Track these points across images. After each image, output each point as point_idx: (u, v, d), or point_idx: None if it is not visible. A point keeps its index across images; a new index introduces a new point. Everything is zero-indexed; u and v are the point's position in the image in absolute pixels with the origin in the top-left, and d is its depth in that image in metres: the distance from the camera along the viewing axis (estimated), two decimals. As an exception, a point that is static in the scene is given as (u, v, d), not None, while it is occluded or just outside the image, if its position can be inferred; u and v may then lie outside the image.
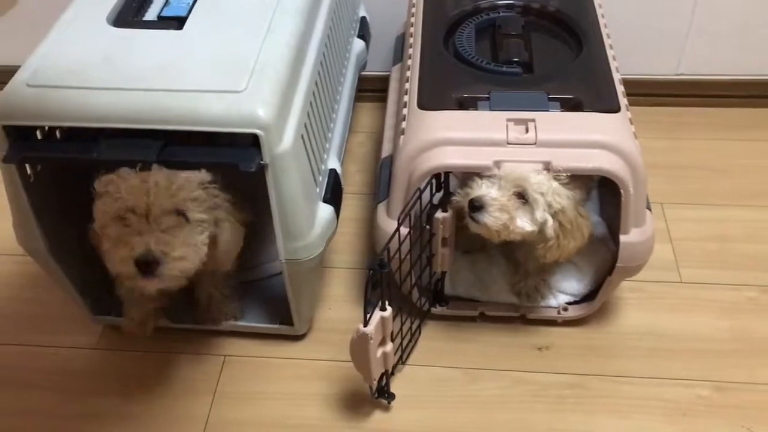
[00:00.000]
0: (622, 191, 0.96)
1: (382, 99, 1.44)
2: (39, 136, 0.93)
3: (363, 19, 1.42)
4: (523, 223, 0.93)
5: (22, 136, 0.91)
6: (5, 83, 0.91)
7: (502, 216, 0.92)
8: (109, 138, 0.89)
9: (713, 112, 1.57)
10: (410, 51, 1.15)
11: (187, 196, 0.87)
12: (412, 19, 1.22)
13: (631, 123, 1.01)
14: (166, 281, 0.86)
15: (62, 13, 1.02)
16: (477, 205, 0.92)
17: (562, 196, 0.93)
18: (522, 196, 0.92)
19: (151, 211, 0.84)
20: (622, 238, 1.01)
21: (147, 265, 0.83)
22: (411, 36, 1.19)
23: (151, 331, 1.11)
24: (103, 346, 1.17)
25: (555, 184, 0.92)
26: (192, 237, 0.87)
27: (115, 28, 0.99)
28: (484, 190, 0.92)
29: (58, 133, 0.95)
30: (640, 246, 1.01)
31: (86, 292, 1.12)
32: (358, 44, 1.35)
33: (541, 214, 0.93)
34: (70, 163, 0.96)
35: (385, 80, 1.40)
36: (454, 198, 0.96)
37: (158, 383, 1.11)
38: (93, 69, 0.92)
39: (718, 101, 1.57)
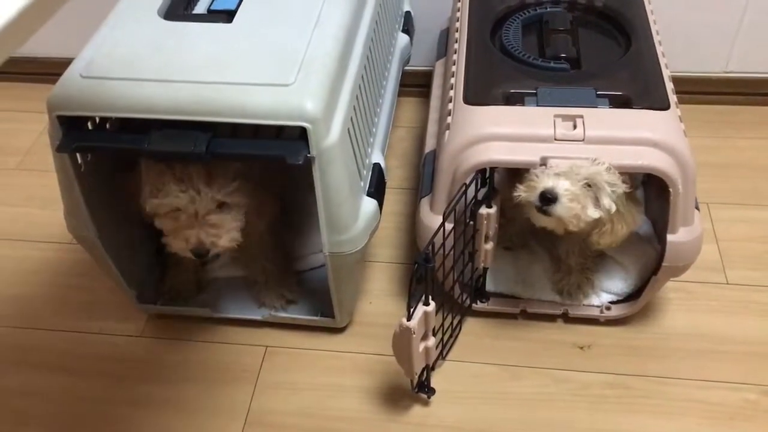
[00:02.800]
0: (671, 190, 0.94)
1: (424, 94, 1.44)
2: (90, 127, 0.95)
3: (408, 13, 1.42)
4: (593, 212, 0.92)
5: (74, 126, 0.92)
6: (60, 75, 0.93)
7: (575, 206, 0.91)
8: (159, 129, 0.90)
9: (763, 111, 1.53)
10: (456, 46, 1.15)
11: (226, 191, 0.94)
12: (458, 14, 1.22)
13: (681, 121, 0.99)
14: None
15: (115, 6, 1.04)
16: (550, 197, 0.90)
17: (620, 183, 0.92)
18: (588, 186, 0.92)
19: (198, 211, 0.93)
20: (670, 237, 0.99)
21: (201, 254, 0.95)
22: (457, 31, 1.18)
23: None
24: (148, 334, 1.19)
25: (613, 170, 0.91)
26: (234, 221, 0.97)
27: (166, 21, 1.00)
28: (553, 181, 0.90)
29: (108, 124, 0.97)
30: (687, 245, 1.00)
31: (133, 281, 1.14)
32: (403, 39, 1.35)
33: (608, 201, 0.92)
34: (121, 153, 0.97)
35: (427, 75, 1.40)
36: (517, 194, 0.93)
37: (201, 372, 1.12)
38: (144, 61, 0.93)
39: (767, 100, 1.54)
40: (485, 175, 0.99)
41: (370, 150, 1.08)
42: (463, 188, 0.96)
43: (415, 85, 1.57)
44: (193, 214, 0.93)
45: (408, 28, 1.39)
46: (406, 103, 1.60)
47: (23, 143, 1.58)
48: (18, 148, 1.57)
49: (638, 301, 1.12)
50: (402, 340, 0.94)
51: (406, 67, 1.41)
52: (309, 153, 0.89)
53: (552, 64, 1.05)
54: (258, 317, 1.16)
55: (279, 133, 0.92)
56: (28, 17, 0.53)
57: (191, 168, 0.92)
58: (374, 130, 1.12)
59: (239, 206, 0.97)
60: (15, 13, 0.52)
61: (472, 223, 1.02)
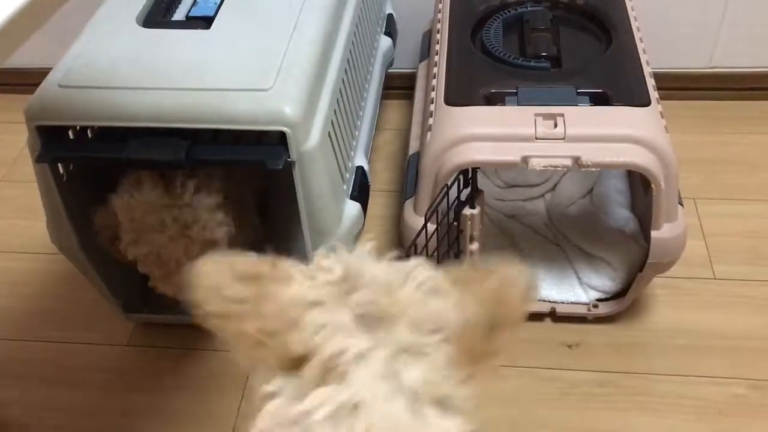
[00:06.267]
0: (653, 186, 0.95)
1: (409, 96, 1.44)
2: (71, 136, 0.95)
3: (390, 16, 1.42)
4: None
5: (54, 136, 0.92)
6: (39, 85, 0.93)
7: None
8: (138, 137, 0.90)
9: (747, 106, 1.53)
10: (437, 47, 1.15)
11: (214, 229, 0.91)
12: (439, 15, 1.22)
13: (662, 117, 0.99)
14: None
15: (93, 15, 1.04)
16: None
17: None
18: None
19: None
20: (654, 233, 0.99)
21: None
22: (438, 32, 1.18)
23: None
24: (134, 344, 1.18)
25: None
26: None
27: (145, 29, 1.00)
28: None
29: (89, 133, 0.97)
30: (671, 241, 1.00)
31: (118, 290, 1.13)
32: (385, 41, 1.35)
33: None
34: (102, 162, 0.97)
35: (411, 77, 1.40)
36: None
37: (190, 379, 1.12)
38: (123, 69, 0.93)
39: (752, 94, 1.54)
40: (468, 175, 0.99)
41: (352, 153, 1.08)
42: (445, 189, 0.96)
43: (401, 87, 1.57)
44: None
45: (391, 31, 1.39)
46: (391, 106, 1.60)
47: (8, 155, 1.58)
48: (3, 159, 1.57)
49: (625, 298, 1.12)
50: (387, 343, 0.93)
51: (391, 70, 1.41)
52: (289, 157, 0.89)
53: (532, 63, 1.05)
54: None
55: (260, 138, 0.92)
56: (17, 26, 0.53)
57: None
58: (357, 133, 1.12)
59: (225, 239, 0.93)
60: (3, 22, 0.51)
61: (456, 224, 1.02)
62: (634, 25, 1.13)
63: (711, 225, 1.29)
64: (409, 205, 1.05)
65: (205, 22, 1.00)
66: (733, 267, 1.22)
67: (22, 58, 1.52)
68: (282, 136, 0.88)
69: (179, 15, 1.04)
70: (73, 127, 0.95)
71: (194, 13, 1.02)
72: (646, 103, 0.98)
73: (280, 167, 0.88)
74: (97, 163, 1.00)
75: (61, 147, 0.93)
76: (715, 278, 1.20)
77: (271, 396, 0.44)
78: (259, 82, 0.89)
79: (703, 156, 1.42)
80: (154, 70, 0.92)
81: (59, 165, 0.97)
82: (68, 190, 0.98)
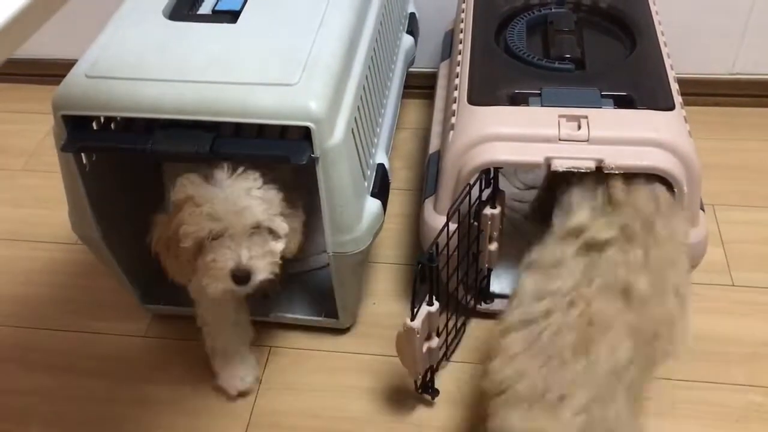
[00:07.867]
0: (676, 190, 0.94)
1: (428, 96, 1.44)
2: (95, 127, 0.96)
3: (412, 15, 1.42)
4: None
5: (79, 126, 0.93)
6: (66, 76, 0.93)
7: None
8: (163, 129, 0.91)
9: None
10: (460, 47, 1.15)
11: (273, 212, 0.88)
12: (462, 15, 1.22)
13: (686, 121, 0.99)
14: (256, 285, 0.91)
15: (120, 7, 1.05)
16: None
17: None
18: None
19: (237, 231, 0.87)
20: (675, 238, 0.99)
21: (241, 278, 0.88)
22: (461, 32, 1.18)
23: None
24: (152, 335, 1.19)
25: None
26: (276, 246, 0.90)
27: (171, 22, 1.01)
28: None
29: (113, 124, 0.97)
30: (693, 246, 0.99)
31: (137, 281, 1.14)
32: (407, 40, 1.35)
33: None
34: (125, 153, 0.97)
35: (431, 77, 1.40)
36: None
37: (205, 372, 1.12)
38: (148, 61, 0.94)
39: (773, 102, 1.54)
40: (489, 175, 0.99)
41: (374, 150, 1.08)
42: (467, 188, 0.96)
43: (420, 86, 1.57)
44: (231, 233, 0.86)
45: (412, 30, 1.39)
46: (410, 105, 1.60)
47: (29, 144, 1.59)
48: (23, 149, 1.58)
49: (643, 303, 1.11)
50: (405, 341, 0.93)
51: (411, 69, 1.42)
52: (313, 153, 0.89)
53: (556, 65, 1.05)
54: (262, 318, 1.16)
55: (283, 133, 0.92)
56: (27, 17, 0.53)
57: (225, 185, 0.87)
58: (378, 130, 1.12)
59: (284, 234, 0.90)
60: (14, 13, 0.52)
61: (476, 223, 1.02)
62: (658, 29, 1.13)
63: (730, 232, 1.28)
64: (428, 203, 1.05)
65: (231, 16, 1.00)
66: (751, 274, 1.21)
67: (45, 49, 1.54)
68: (306, 131, 0.88)
69: (205, 8, 1.04)
70: (98, 118, 0.95)
71: (220, 6, 1.03)
72: (670, 107, 0.98)
73: (304, 163, 0.88)
74: (120, 154, 1.01)
75: (86, 137, 0.93)
76: (733, 285, 1.20)
77: None
78: (285, 76, 0.90)
79: (722, 162, 1.41)
80: (179, 63, 0.93)
81: (83, 155, 0.97)
82: (91, 180, 0.99)
